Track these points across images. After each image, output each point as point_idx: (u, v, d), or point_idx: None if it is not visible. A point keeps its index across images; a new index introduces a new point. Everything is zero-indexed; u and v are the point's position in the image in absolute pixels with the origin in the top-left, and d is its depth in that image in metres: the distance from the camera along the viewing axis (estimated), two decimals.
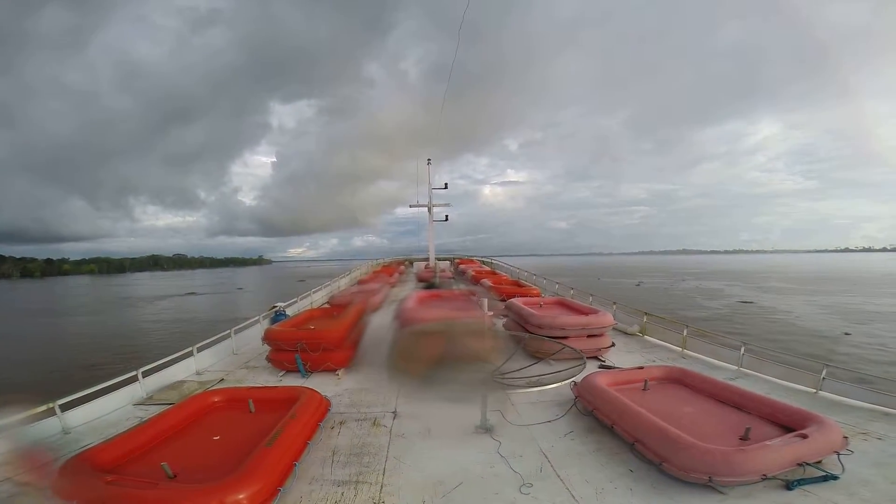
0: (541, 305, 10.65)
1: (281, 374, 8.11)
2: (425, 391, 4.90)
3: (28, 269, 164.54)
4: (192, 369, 8.48)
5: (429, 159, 28.96)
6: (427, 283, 15.97)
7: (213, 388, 6.90)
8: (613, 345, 9.04)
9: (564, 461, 4.61)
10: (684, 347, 9.32)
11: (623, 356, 8.88)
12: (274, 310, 12.24)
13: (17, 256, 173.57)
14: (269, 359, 8.40)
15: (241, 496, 3.50)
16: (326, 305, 13.74)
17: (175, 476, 3.95)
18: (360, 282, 19.68)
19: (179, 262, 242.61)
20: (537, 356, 7.04)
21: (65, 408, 5.81)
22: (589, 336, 8.60)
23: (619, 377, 6.13)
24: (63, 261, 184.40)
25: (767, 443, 4.05)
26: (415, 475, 4.38)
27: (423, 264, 29.58)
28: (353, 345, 8.55)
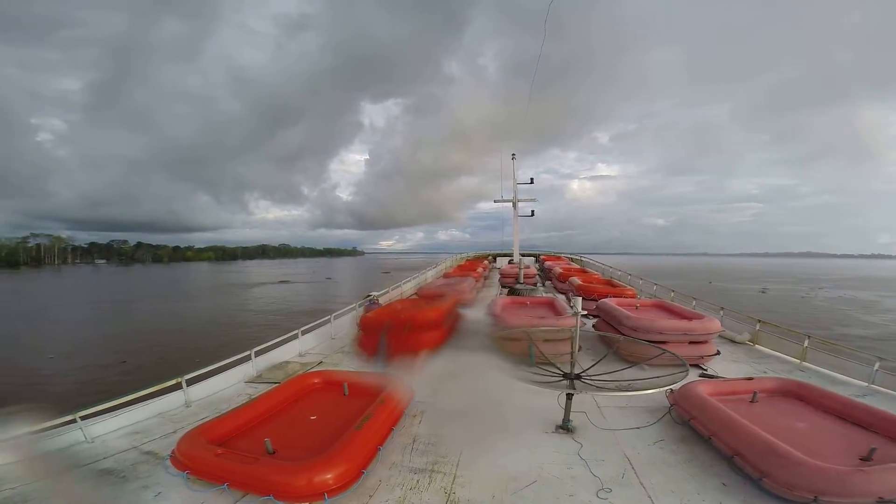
0: (637, 307, 10.37)
1: (369, 359, 8.57)
2: (516, 377, 5.08)
3: (158, 255, 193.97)
4: (296, 351, 9.19)
5: (513, 154, 28.79)
6: (510, 287, 16.14)
7: (313, 370, 7.35)
8: (718, 353, 8.59)
9: (650, 469, 4.51)
10: (803, 359, 8.60)
11: (728, 366, 8.43)
12: (368, 298, 13.20)
13: (154, 244, 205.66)
14: (360, 344, 8.96)
15: (328, 476, 3.78)
16: (415, 296, 14.50)
17: (274, 452, 4.29)
18: (446, 275, 20.33)
19: (283, 252, 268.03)
20: (630, 360, 6.95)
21: (190, 383, 6.47)
22: (691, 342, 8.26)
23: (723, 387, 5.91)
24: (188, 248, 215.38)
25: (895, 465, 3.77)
26: (488, 469, 4.42)
27: (506, 260, 29.58)
28: (447, 331, 8.97)
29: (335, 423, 4.93)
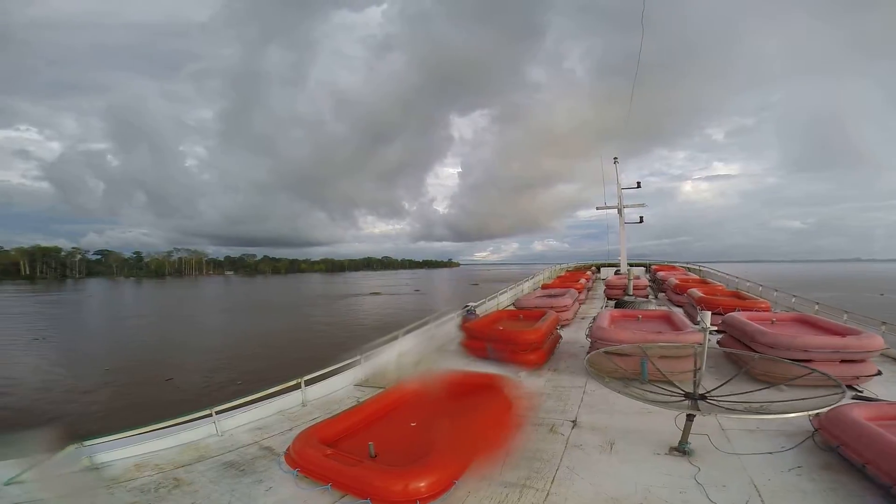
0: (773, 322, 9.21)
1: (471, 360, 8.89)
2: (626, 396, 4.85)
3: (277, 267, 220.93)
4: (397, 352, 9.44)
5: (615, 158, 27.31)
6: (617, 300, 15.25)
7: (413, 373, 7.68)
8: (879, 373, 7.31)
9: (781, 497, 4.10)
10: None
11: (892, 387, 7.20)
12: (466, 308, 13.54)
13: (276, 257, 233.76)
14: (462, 346, 9.40)
15: (421, 484, 3.81)
16: (512, 308, 14.44)
17: (376, 456, 4.44)
18: (544, 286, 19.91)
19: (386, 264, 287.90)
20: (765, 380, 6.28)
21: (308, 383, 6.95)
22: (843, 361, 7.14)
23: (886, 411, 5.01)
24: (303, 261, 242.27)
25: None
26: (586, 488, 4.28)
27: (612, 271, 28.06)
28: (546, 352, 8.84)
29: (433, 429, 5.03)
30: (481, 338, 8.89)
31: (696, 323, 7.78)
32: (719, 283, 19.89)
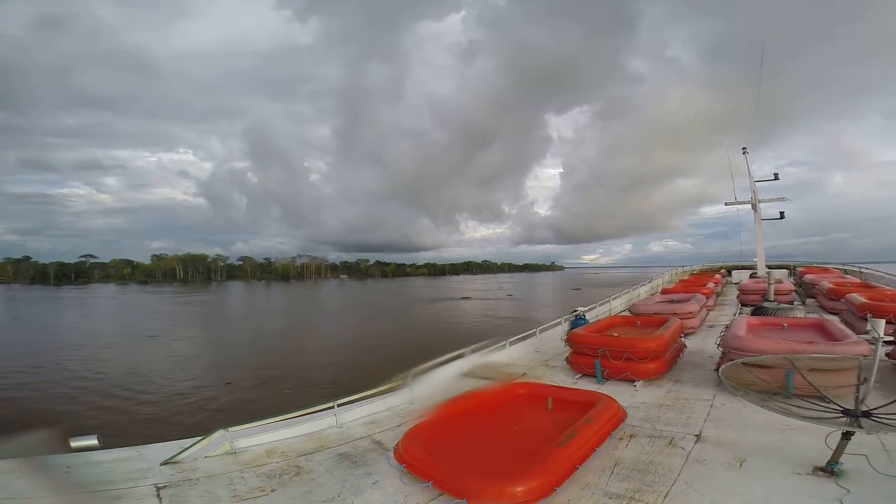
0: None
1: (577, 376, 8.59)
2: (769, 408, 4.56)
3: (384, 271, 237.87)
4: (504, 359, 9.64)
5: (744, 148, 24.54)
6: (755, 306, 13.78)
7: (518, 381, 7.62)
8: None
9: None
10: None
11: None
12: (574, 314, 13.17)
13: (385, 262, 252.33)
14: (567, 360, 9.02)
15: (519, 488, 3.82)
16: (626, 313, 13.86)
17: (476, 457, 4.58)
18: (665, 291, 18.74)
19: (485, 267, 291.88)
20: None
21: (416, 376, 7.06)
22: None
23: None
24: (407, 265, 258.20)
25: None
26: None
27: (746, 273, 25.24)
28: (668, 362, 8.52)
29: (535, 435, 5.04)
30: (591, 346, 8.57)
31: (860, 332, 6.92)
32: (889, 288, 16.91)
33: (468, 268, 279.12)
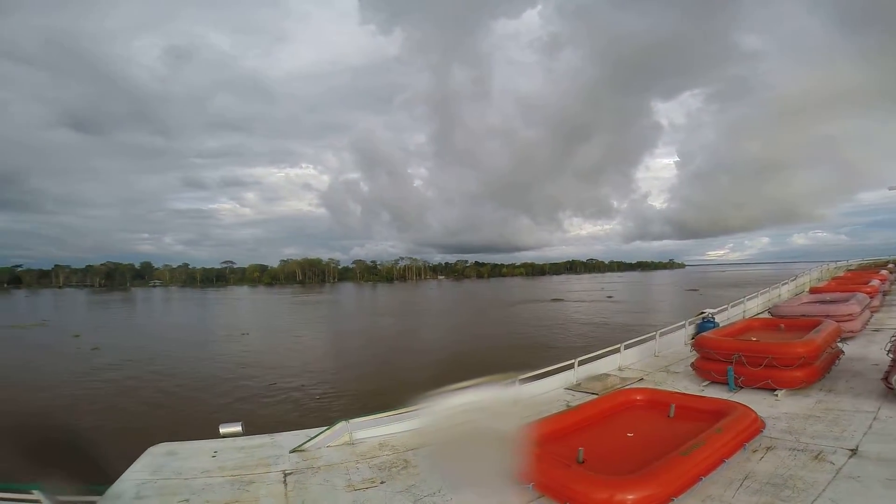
0: None
1: (704, 383, 7.99)
2: None
3: (480, 272, 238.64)
4: (616, 365, 9.32)
5: None
6: None
7: (633, 386, 7.36)
8: None
9: None
10: None
11: None
12: (701, 316, 12.10)
13: (483, 263, 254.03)
14: (694, 366, 8.41)
15: (630, 496, 3.67)
16: (766, 315, 12.64)
17: (584, 462, 4.40)
18: (813, 290, 16.14)
19: (591, 266, 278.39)
20: None
21: (521, 382, 7.14)
22: None
23: None
24: (503, 266, 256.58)
25: None
26: None
27: None
28: (819, 369, 7.55)
29: (654, 443, 4.85)
30: (724, 351, 7.83)
31: None
32: None
33: (571, 267, 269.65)
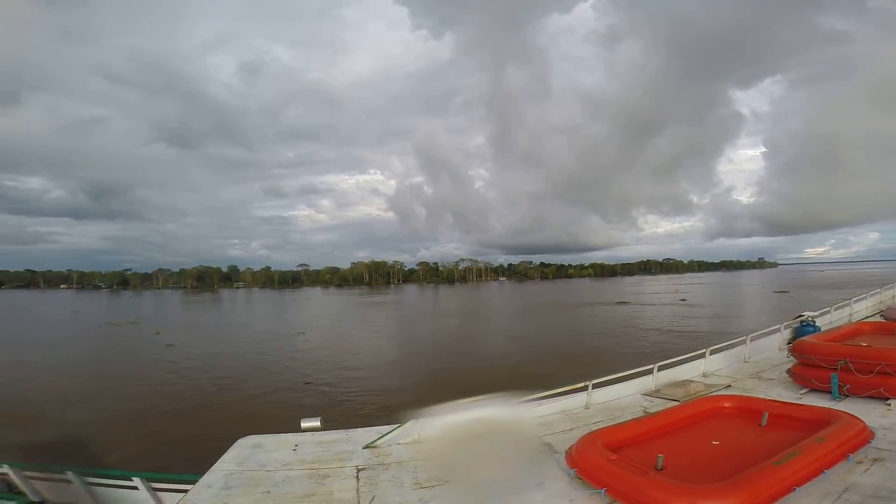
0: None
1: (802, 391, 7.44)
2: None
3: (544, 272, 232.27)
4: (700, 371, 8.83)
5: None
6: None
7: (720, 393, 7.07)
8: None
9: None
10: None
11: None
12: (799, 319, 11.35)
13: (547, 263, 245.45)
14: (790, 372, 7.87)
15: None
16: (879, 319, 12.05)
17: (662, 469, 4.26)
18: None
19: (668, 266, 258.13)
20: None
21: (594, 387, 7.16)
22: None
23: None
24: (569, 266, 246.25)
25: None
26: None
27: None
28: None
29: (742, 452, 4.66)
30: (827, 356, 7.26)
31: None
32: None
33: (646, 267, 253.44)
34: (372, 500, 4.54)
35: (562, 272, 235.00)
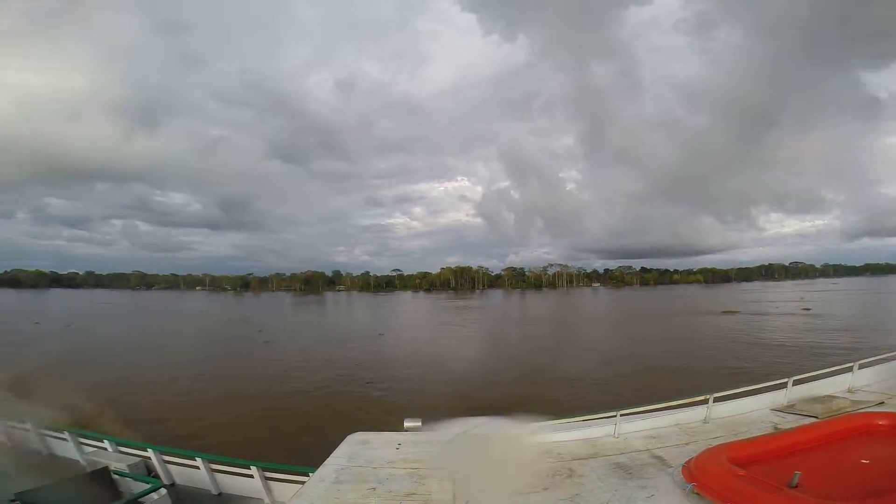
0: None
1: None
2: None
3: (644, 278, 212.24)
4: (845, 386, 8.24)
5: None
6: None
7: (868, 409, 6.60)
8: None
9: None
10: None
11: None
12: None
13: (648, 268, 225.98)
14: None
15: None
16: None
17: (797, 486, 4.09)
18: None
19: (795, 271, 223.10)
20: None
21: (716, 401, 6.77)
22: None
23: None
24: (675, 271, 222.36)
25: None
26: None
27: None
28: None
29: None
30: None
31: None
32: None
33: (767, 272, 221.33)
34: (467, 503, 4.55)
35: (665, 278, 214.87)
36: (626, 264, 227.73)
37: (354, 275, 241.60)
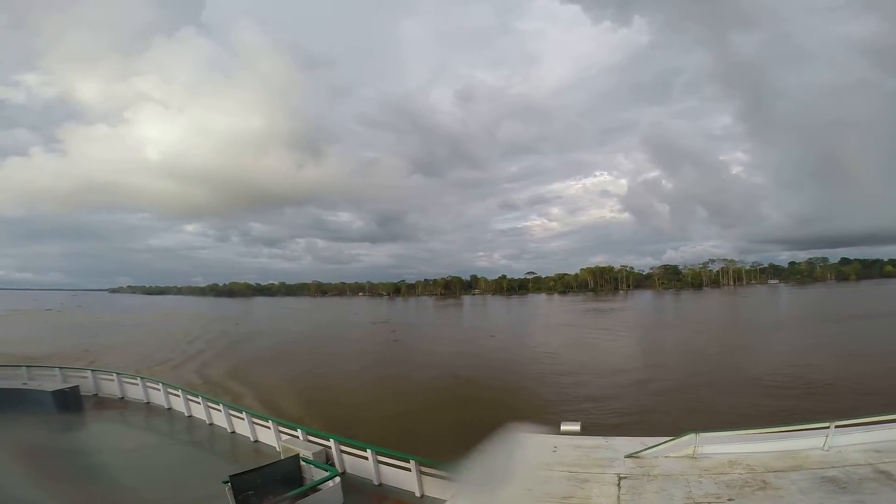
0: None
1: None
2: None
3: (842, 271, 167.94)
4: None
5: None
6: None
7: None
8: None
9: None
10: None
11: None
12: None
13: (850, 259, 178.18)
14: None
15: None
16: None
17: None
18: None
19: None
20: None
21: None
22: None
23: None
24: (887, 262, 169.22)
25: None
26: None
27: None
28: None
29: None
30: None
31: None
32: None
33: None
34: None
35: (871, 270, 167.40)
36: (819, 256, 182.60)
37: (490, 279, 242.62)
